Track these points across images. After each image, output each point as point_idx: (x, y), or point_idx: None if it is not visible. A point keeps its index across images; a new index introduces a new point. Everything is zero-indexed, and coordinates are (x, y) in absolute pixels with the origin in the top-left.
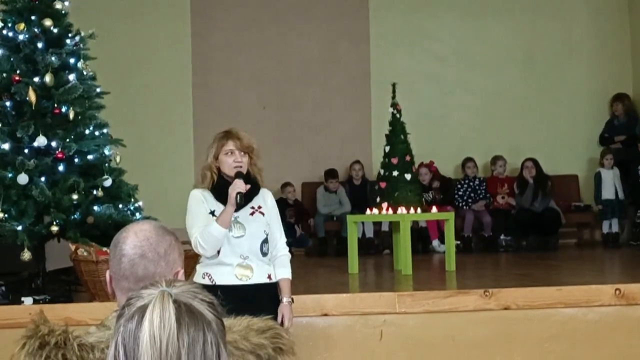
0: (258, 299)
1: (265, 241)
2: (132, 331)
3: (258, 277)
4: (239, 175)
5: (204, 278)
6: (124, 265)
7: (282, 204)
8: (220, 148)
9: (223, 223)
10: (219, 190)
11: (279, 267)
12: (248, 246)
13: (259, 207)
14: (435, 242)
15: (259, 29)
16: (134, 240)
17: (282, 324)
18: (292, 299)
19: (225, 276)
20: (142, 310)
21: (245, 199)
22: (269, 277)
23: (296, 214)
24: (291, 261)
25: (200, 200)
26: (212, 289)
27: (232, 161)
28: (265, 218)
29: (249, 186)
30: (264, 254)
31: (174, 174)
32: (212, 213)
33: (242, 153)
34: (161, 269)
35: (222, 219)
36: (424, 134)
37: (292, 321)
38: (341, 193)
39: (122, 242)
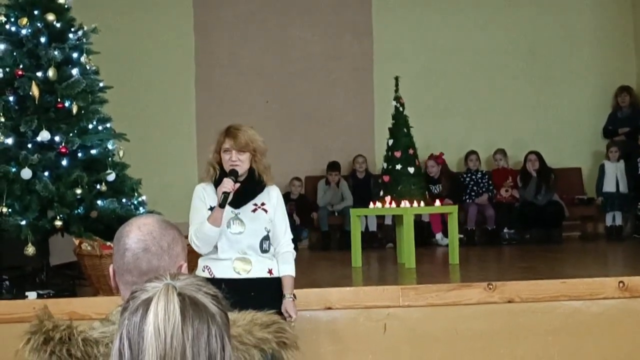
0: (257, 293)
1: (266, 238)
2: (137, 324)
3: (257, 271)
4: (230, 173)
5: (204, 271)
6: (127, 259)
7: (285, 198)
8: (220, 145)
9: (214, 222)
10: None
11: (281, 264)
12: (246, 243)
13: (262, 204)
14: (439, 235)
15: (262, 23)
16: (137, 234)
17: (285, 319)
18: (295, 296)
19: (224, 270)
20: (147, 303)
21: (247, 197)
22: (270, 271)
23: (297, 208)
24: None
25: (201, 197)
26: (212, 282)
27: (228, 159)
28: (268, 215)
29: (237, 185)
30: (264, 251)
31: (177, 168)
32: (212, 209)
33: (240, 151)
34: (165, 262)
35: (213, 218)
36: (427, 128)
37: (297, 315)
38: (343, 186)
39: (126, 236)
